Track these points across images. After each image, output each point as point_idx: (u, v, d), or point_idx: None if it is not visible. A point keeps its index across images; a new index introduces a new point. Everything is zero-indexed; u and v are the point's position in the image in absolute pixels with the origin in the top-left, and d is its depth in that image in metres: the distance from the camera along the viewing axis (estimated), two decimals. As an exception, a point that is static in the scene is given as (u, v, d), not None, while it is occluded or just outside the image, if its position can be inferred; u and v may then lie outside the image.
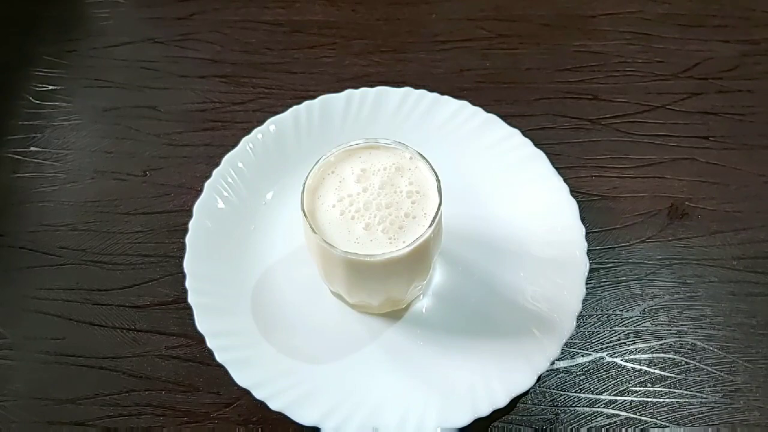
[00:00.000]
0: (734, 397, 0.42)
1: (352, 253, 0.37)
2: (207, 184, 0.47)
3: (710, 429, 0.41)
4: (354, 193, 0.39)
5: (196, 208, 0.46)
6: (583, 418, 0.42)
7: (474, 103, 0.50)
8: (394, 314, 0.44)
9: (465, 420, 0.38)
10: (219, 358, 0.40)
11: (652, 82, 0.57)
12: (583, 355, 0.44)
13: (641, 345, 0.44)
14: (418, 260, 0.39)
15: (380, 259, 0.37)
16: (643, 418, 0.42)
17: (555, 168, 0.47)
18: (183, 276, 0.43)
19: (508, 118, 0.49)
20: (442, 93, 0.50)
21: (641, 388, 0.43)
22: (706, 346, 0.44)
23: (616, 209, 0.50)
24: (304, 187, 0.39)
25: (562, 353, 0.44)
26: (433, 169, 0.40)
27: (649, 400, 0.42)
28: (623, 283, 0.47)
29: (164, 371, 0.44)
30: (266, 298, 0.44)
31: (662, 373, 0.43)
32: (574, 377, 0.43)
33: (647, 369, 0.43)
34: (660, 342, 0.44)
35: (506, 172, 0.48)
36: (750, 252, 0.48)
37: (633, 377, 0.43)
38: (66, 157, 0.55)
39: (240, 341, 0.41)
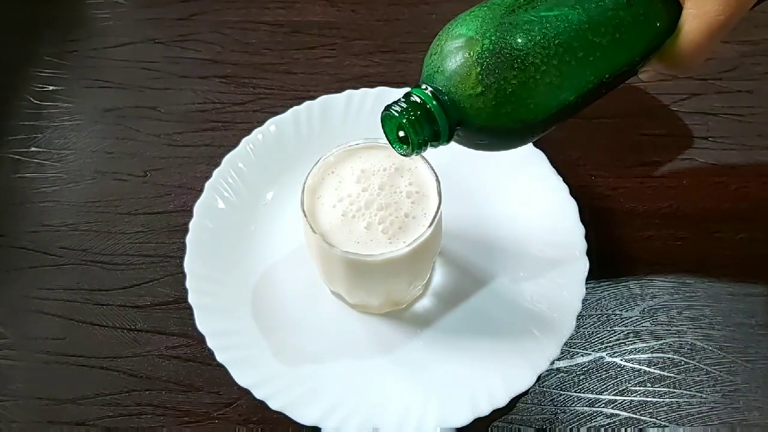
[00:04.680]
0: (733, 397, 0.42)
1: (352, 253, 0.37)
2: (207, 184, 0.47)
3: (709, 429, 0.41)
4: (354, 193, 0.40)
5: (197, 208, 0.46)
6: (582, 418, 0.42)
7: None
8: (394, 314, 0.44)
9: (465, 420, 0.38)
10: (219, 358, 0.40)
11: (652, 82, 0.57)
12: (582, 355, 0.44)
13: (641, 345, 0.44)
14: (418, 260, 0.39)
15: (380, 259, 0.37)
16: (642, 417, 0.42)
17: (555, 168, 0.47)
18: (183, 276, 0.43)
19: (508, 119, 0.49)
20: (442, 93, 0.51)
21: (641, 388, 0.43)
22: (706, 346, 0.44)
23: (616, 209, 0.50)
24: (304, 187, 0.39)
25: (562, 353, 0.44)
26: (432, 170, 0.40)
27: (648, 399, 0.42)
28: (623, 283, 0.47)
29: (164, 371, 0.44)
30: (266, 298, 0.44)
31: (662, 372, 0.43)
32: (574, 377, 0.43)
33: (647, 369, 0.43)
34: (659, 342, 0.44)
35: (506, 172, 0.48)
36: (750, 252, 0.48)
37: (632, 377, 0.43)
38: (67, 158, 0.55)
39: (240, 341, 0.41)
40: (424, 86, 0.32)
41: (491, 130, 0.32)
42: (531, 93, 0.31)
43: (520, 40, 0.30)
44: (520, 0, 0.32)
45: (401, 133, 0.33)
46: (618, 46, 0.33)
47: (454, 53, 0.31)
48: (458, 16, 0.33)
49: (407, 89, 0.49)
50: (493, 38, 0.31)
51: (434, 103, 0.32)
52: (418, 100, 0.32)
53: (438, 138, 0.33)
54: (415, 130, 0.32)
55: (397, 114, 0.32)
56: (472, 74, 0.31)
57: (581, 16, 0.32)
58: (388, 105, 0.33)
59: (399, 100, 0.33)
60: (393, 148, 0.34)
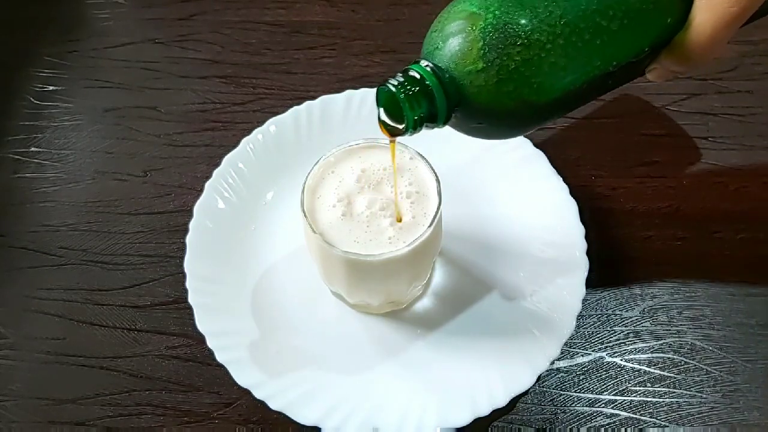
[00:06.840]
0: (733, 397, 0.42)
1: (352, 253, 0.37)
2: (207, 184, 0.47)
3: (709, 429, 0.41)
4: (354, 193, 0.40)
5: (197, 208, 0.46)
6: (582, 418, 0.42)
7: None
8: (394, 314, 0.44)
9: (465, 420, 0.38)
10: (219, 358, 0.40)
11: (651, 82, 0.57)
12: (582, 355, 0.44)
13: (641, 345, 0.44)
14: (418, 260, 0.39)
15: (380, 259, 0.37)
16: (642, 417, 0.42)
17: (555, 168, 0.47)
18: (183, 276, 0.43)
19: (508, 119, 0.49)
20: (442, 93, 0.50)
21: (641, 388, 0.43)
22: (706, 346, 0.44)
23: (616, 209, 0.50)
24: (304, 187, 0.39)
25: (562, 353, 0.44)
26: (432, 170, 0.40)
27: (648, 399, 0.42)
28: (623, 283, 0.47)
29: (164, 371, 0.44)
30: (266, 298, 0.44)
31: (662, 372, 0.43)
32: (574, 377, 0.43)
33: (647, 369, 0.43)
34: (659, 342, 0.44)
35: (506, 172, 0.48)
36: (750, 252, 0.48)
37: (632, 377, 0.43)
38: (67, 158, 0.55)
39: (240, 341, 0.41)
40: (423, 62, 0.31)
41: (490, 112, 0.31)
42: (535, 72, 0.30)
43: (525, 16, 0.29)
44: None
45: (386, 119, 0.31)
46: (626, 33, 0.32)
47: (456, 28, 0.30)
48: None
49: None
50: (497, 13, 0.29)
51: (434, 79, 0.30)
52: (417, 75, 0.30)
53: (434, 120, 0.31)
54: (411, 105, 0.30)
55: (393, 88, 0.30)
56: (473, 49, 0.29)
57: None
58: (384, 80, 0.31)
59: (396, 74, 0.31)
60: (383, 126, 0.32)
